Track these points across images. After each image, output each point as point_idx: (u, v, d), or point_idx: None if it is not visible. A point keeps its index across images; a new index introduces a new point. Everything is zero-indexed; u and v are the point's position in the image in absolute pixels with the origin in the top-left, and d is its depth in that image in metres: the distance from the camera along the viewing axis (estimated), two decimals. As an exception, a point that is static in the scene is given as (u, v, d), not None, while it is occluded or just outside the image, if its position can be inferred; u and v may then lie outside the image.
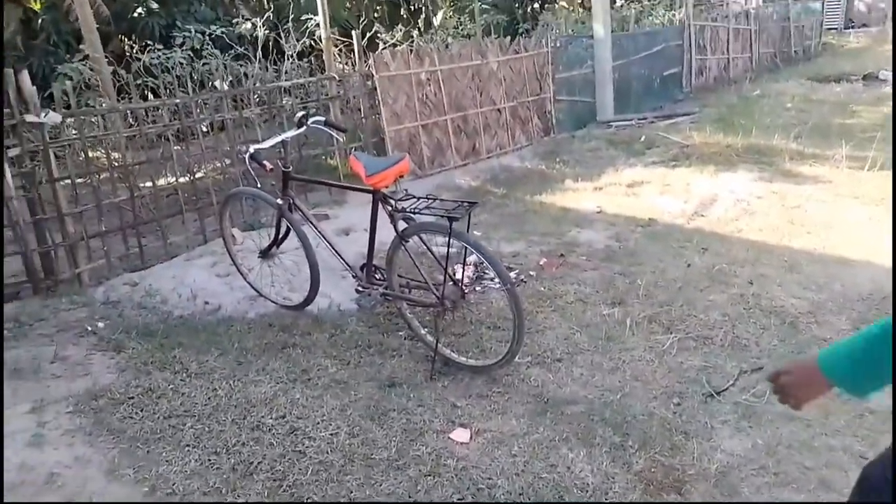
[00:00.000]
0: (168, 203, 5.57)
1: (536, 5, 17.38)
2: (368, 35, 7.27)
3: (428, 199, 3.09)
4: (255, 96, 5.59)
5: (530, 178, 6.83)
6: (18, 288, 4.52)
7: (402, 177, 3.19)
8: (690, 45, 11.13)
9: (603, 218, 5.40)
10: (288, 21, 6.59)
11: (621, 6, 12.44)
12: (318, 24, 6.40)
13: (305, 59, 6.74)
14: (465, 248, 3.08)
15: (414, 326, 3.44)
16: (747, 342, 3.33)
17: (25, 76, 4.42)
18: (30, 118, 4.38)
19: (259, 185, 3.84)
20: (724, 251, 4.47)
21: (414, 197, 3.14)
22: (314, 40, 6.82)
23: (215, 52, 5.90)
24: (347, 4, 15.30)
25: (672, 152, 7.14)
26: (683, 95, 11.06)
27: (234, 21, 7.30)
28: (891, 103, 9.04)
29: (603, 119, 9.32)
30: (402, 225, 3.18)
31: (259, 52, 6.45)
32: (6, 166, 4.26)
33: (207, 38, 6.14)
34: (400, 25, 12.10)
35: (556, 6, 16.82)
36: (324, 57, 6.33)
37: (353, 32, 6.36)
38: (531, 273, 4.35)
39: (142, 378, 3.00)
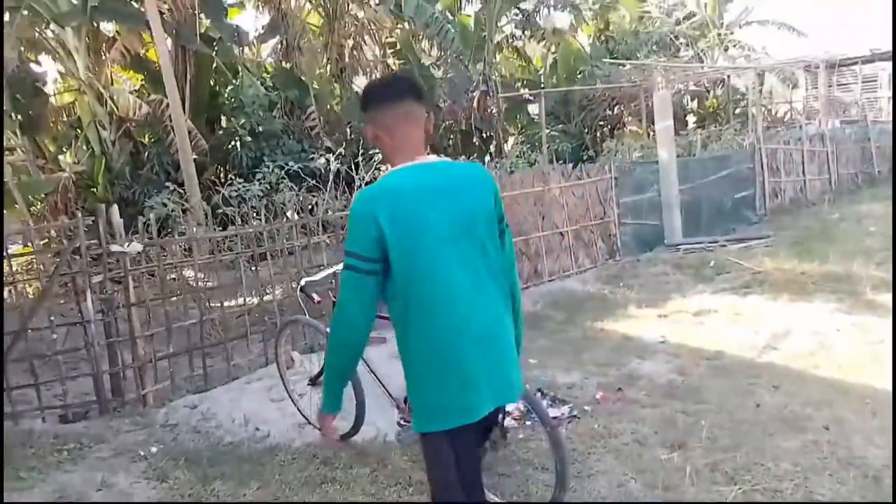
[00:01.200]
0: (236, 324, 5.79)
1: (606, 130, 17.90)
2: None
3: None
4: (328, 224, 5.92)
5: (592, 302, 6.71)
6: (87, 407, 4.72)
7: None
8: (762, 167, 11.01)
9: (666, 349, 5.17)
10: (359, 154, 7.09)
11: (687, 133, 12.59)
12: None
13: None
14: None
15: (456, 465, 3.31)
16: (822, 497, 3.00)
17: (115, 210, 4.85)
18: (115, 247, 4.76)
19: (307, 314, 3.95)
20: (798, 390, 4.14)
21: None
22: (380, 170, 7.24)
23: (290, 184, 6.37)
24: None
25: (743, 279, 6.88)
26: (757, 218, 10.81)
27: (311, 157, 7.94)
28: None
29: (671, 242, 9.19)
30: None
31: (331, 183, 6.89)
32: (89, 293, 4.60)
33: (284, 172, 6.67)
34: (469, 153, 12.68)
35: (627, 131, 17.25)
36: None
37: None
38: (586, 408, 4.16)
39: None
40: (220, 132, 13.00)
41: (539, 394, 4.42)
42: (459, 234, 1.89)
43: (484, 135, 16.90)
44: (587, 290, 7.18)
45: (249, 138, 12.33)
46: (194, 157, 12.50)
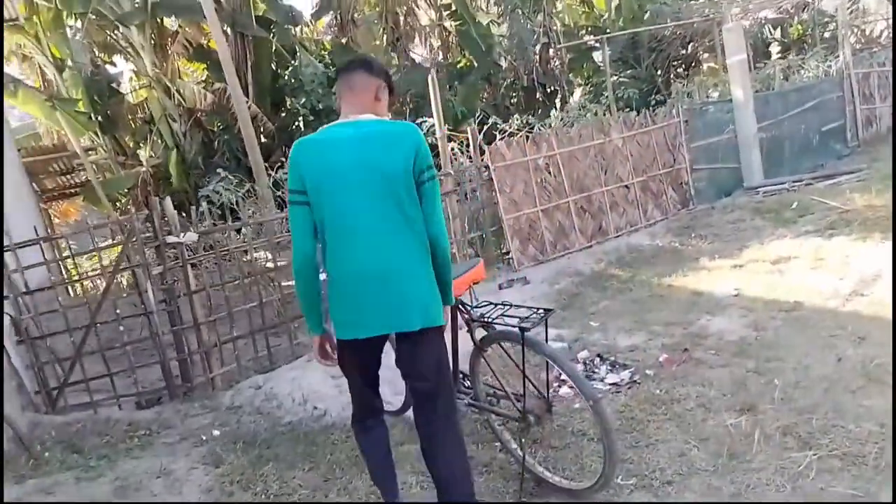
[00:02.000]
0: (297, 304, 5.86)
1: (681, 69, 16.84)
2: (486, 126, 7.41)
3: (504, 305, 2.91)
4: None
5: (661, 257, 6.35)
6: (159, 394, 4.93)
7: (476, 283, 3.04)
8: (853, 95, 10.03)
9: (740, 302, 4.81)
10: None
11: (764, 65, 11.59)
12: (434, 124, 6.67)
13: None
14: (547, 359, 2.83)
15: (504, 440, 3.21)
16: (910, 464, 2.68)
17: (168, 203, 4.97)
18: (171, 239, 4.88)
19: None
20: (887, 341, 3.73)
21: (490, 303, 2.99)
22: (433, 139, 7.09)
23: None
24: (484, 96, 15.91)
25: (829, 219, 6.30)
26: (848, 151, 9.89)
27: None
28: None
29: (750, 185, 8.56)
30: (480, 333, 3.01)
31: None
32: (149, 284, 4.75)
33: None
34: (532, 110, 12.18)
35: (703, 68, 16.16)
36: (440, 154, 6.53)
37: (469, 128, 6.50)
38: (648, 372, 3.93)
39: (222, 500, 3.05)
40: (284, 114, 13.18)
41: (598, 359, 4.23)
42: (371, 182, 2.23)
43: (548, 89, 16.31)
44: (656, 244, 6.80)
45: (312, 117, 12.43)
46: (264, 140, 12.81)
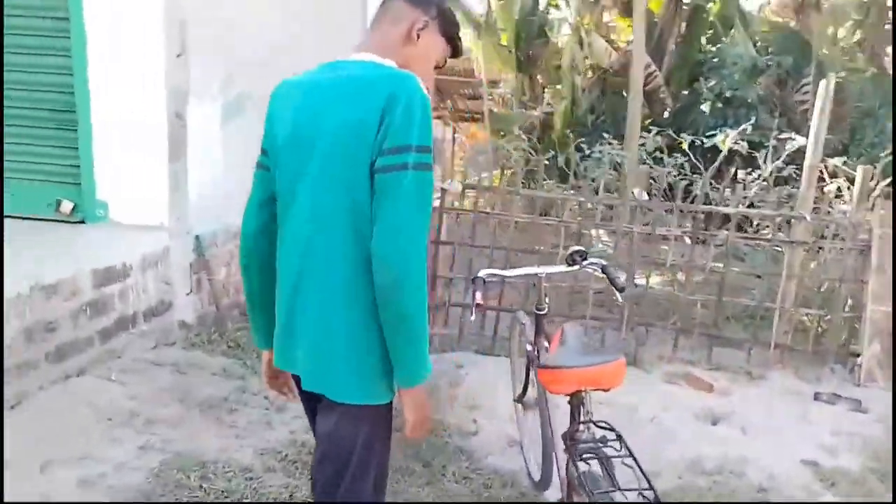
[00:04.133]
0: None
1: None
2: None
3: (613, 434, 1.78)
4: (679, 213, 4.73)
5: None
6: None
7: (601, 389, 1.93)
8: None
9: None
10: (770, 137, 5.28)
11: None
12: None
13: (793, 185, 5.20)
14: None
15: None
16: None
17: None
18: (445, 185, 4.62)
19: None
20: None
21: (606, 426, 1.87)
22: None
23: (673, 157, 5.11)
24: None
25: None
26: None
27: (714, 133, 6.24)
28: None
29: None
30: (581, 466, 1.94)
31: (715, 165, 5.34)
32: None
33: (662, 143, 5.37)
34: None
35: None
36: (802, 187, 4.77)
37: (862, 168, 4.61)
38: None
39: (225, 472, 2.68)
40: (686, 93, 11.79)
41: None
42: (318, 151, 1.47)
43: None
44: None
45: (720, 104, 10.80)
46: (665, 116, 11.71)
